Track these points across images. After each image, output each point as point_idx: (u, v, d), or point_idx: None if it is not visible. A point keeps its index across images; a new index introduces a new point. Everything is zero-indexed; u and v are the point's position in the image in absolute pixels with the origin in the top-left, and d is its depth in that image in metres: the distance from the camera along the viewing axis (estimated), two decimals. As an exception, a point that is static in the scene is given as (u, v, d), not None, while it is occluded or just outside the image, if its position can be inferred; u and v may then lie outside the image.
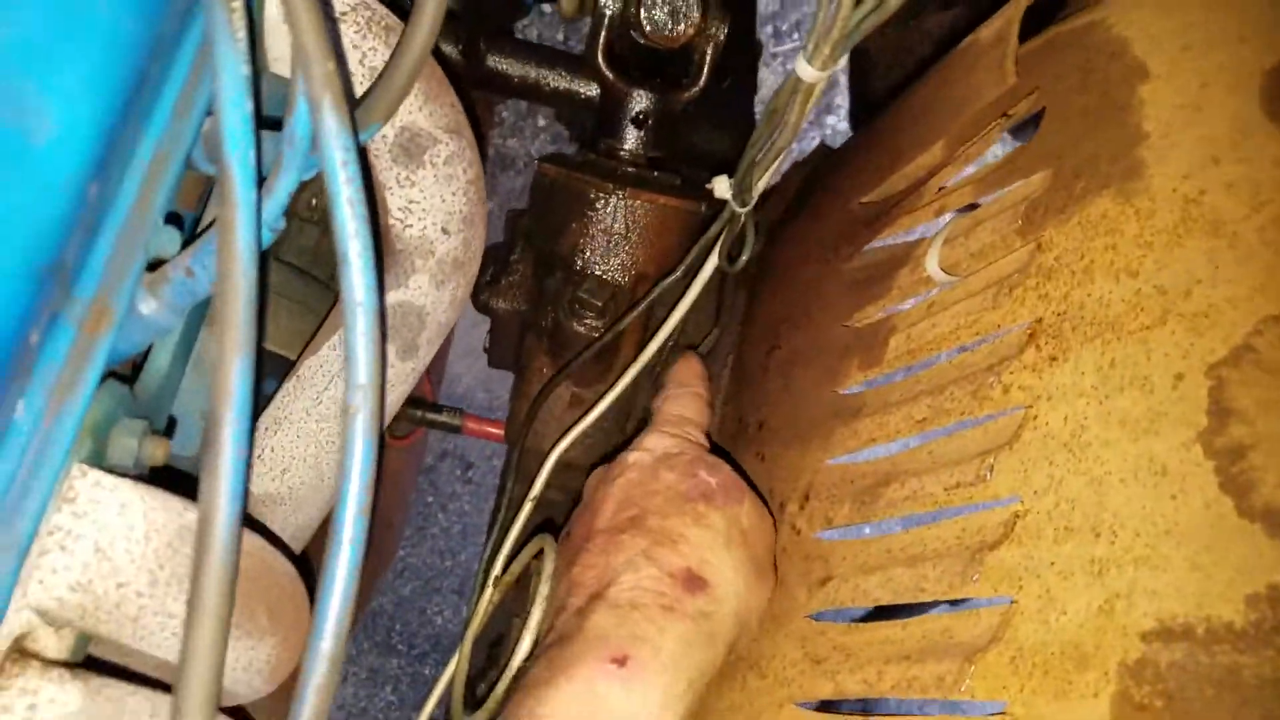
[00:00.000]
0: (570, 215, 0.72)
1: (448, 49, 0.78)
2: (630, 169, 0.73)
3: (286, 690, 0.39)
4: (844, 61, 0.49)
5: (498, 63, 0.79)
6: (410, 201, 0.54)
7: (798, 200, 0.79)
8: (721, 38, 0.70)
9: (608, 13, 0.69)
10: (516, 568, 0.64)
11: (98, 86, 0.32)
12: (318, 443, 0.54)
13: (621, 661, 0.47)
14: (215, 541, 0.31)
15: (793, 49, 1.55)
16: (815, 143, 1.60)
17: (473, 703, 0.61)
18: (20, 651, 0.35)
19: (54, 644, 0.36)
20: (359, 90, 0.50)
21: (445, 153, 0.54)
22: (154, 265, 0.41)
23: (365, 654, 1.56)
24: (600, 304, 0.70)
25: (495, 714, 0.58)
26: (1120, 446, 0.44)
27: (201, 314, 0.51)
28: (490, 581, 0.65)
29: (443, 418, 0.86)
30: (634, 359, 0.71)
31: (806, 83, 0.48)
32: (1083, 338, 0.47)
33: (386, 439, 0.88)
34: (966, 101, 0.58)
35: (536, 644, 0.54)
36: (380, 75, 0.42)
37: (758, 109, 1.62)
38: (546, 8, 1.40)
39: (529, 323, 0.77)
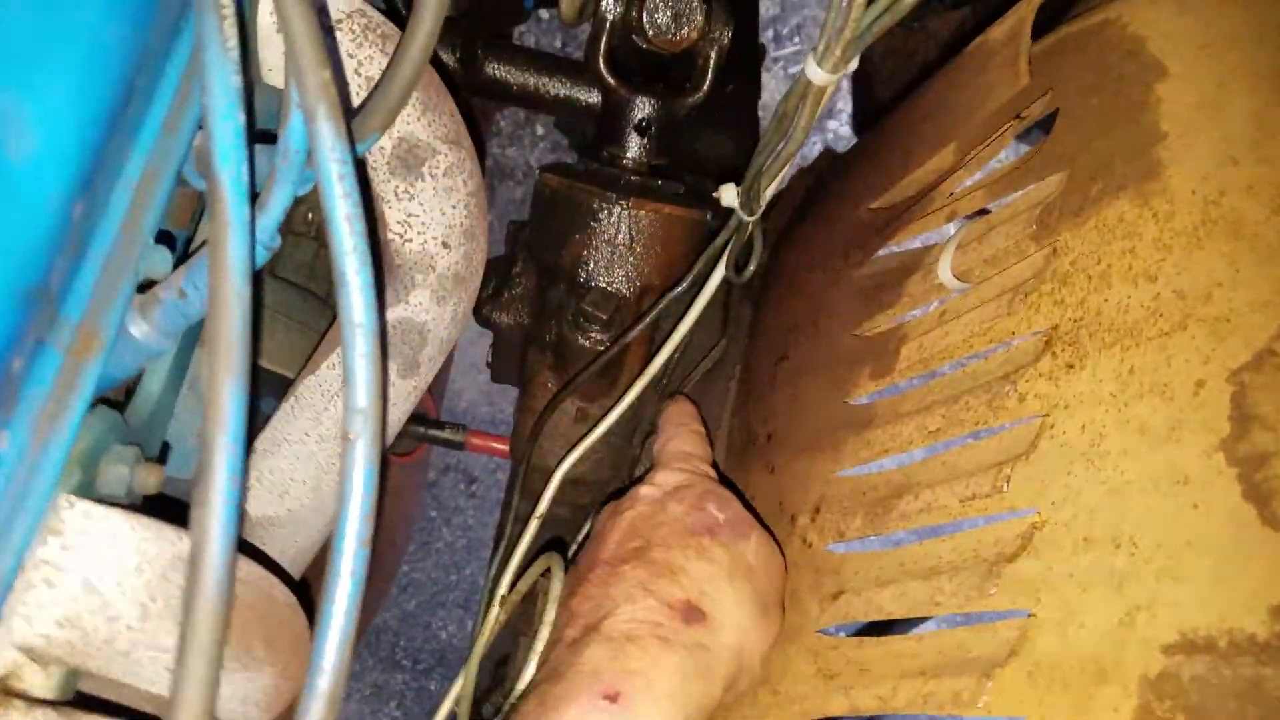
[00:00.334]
0: (573, 226, 0.71)
1: (445, 56, 0.77)
2: (634, 178, 0.72)
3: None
4: (853, 64, 0.47)
5: (496, 69, 0.78)
6: (409, 215, 0.53)
7: (803, 207, 0.78)
8: (726, 41, 0.69)
9: (609, 17, 0.67)
10: (523, 586, 0.63)
11: (81, 99, 0.30)
12: (318, 464, 0.53)
13: (613, 698, 0.46)
14: (208, 572, 0.30)
15: (794, 53, 1.54)
16: (817, 148, 1.59)
17: (479, 724, 0.60)
18: (4, 691, 0.34)
19: (41, 682, 0.34)
20: (355, 100, 0.49)
21: (445, 164, 0.53)
22: (145, 286, 0.40)
23: (369, 670, 1.54)
24: (605, 317, 0.68)
25: None
26: (1140, 455, 0.43)
27: (195, 333, 0.50)
28: (496, 600, 0.64)
29: (446, 434, 0.85)
30: (640, 372, 0.70)
31: (816, 86, 0.47)
32: (1100, 344, 0.46)
33: (389, 456, 0.87)
34: (978, 103, 0.57)
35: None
36: (377, 84, 0.41)
37: (762, 114, 1.61)
38: (545, 13, 1.39)
39: (532, 337, 0.76)
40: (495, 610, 0.63)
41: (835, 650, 0.52)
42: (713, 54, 0.69)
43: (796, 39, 1.57)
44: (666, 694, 0.47)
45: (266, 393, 0.65)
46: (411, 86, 0.40)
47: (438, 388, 0.97)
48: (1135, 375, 0.44)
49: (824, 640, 0.53)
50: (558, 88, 0.78)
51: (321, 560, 0.43)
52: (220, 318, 0.30)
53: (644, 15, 0.65)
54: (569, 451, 0.71)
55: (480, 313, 0.78)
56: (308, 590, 0.46)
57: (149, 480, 0.39)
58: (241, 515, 0.31)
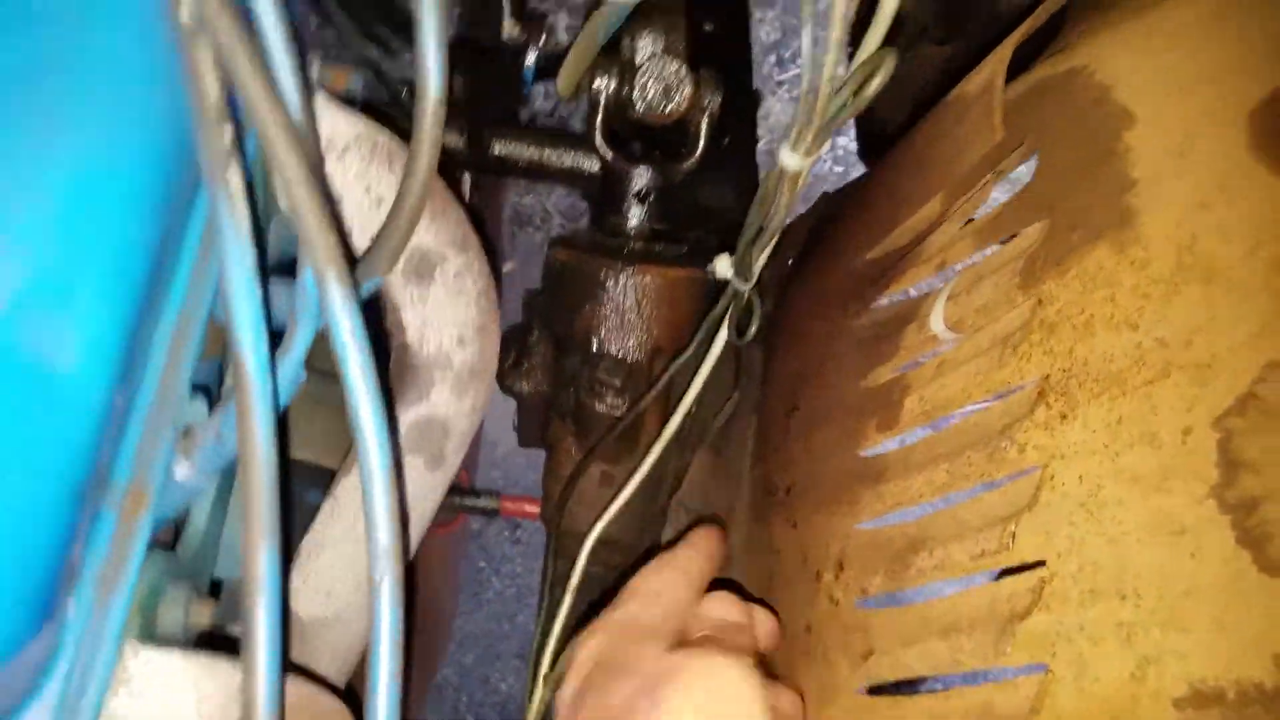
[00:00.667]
0: (582, 296, 0.73)
1: (452, 140, 0.80)
2: (637, 244, 0.74)
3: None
4: (826, 146, 0.50)
5: (502, 148, 0.81)
6: (425, 319, 0.56)
7: (804, 255, 0.80)
8: (716, 108, 0.71)
9: (603, 94, 0.70)
10: (564, 662, 0.65)
11: (114, 301, 0.33)
12: (359, 564, 0.56)
13: None
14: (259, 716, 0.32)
15: (795, 75, 1.56)
16: (826, 165, 1.60)
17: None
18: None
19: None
20: (365, 218, 0.52)
21: (454, 268, 0.56)
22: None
23: (436, 728, 1.57)
24: (619, 383, 0.71)
25: None
26: (1135, 505, 0.44)
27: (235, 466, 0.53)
28: (540, 679, 0.66)
29: (481, 502, 0.88)
30: (658, 433, 0.72)
31: (792, 171, 0.49)
32: (1089, 394, 0.47)
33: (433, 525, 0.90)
34: (958, 155, 0.59)
35: None
36: (382, 228, 0.44)
37: (773, 134, 1.62)
38: (542, 87, 1.43)
39: (552, 404, 0.79)
40: (540, 689, 0.65)
41: (871, 711, 0.54)
42: (704, 121, 0.71)
43: (799, 61, 1.59)
44: None
45: (309, 485, 0.68)
46: (414, 224, 0.43)
47: (470, 458, 1.01)
48: (1124, 425, 0.45)
49: (859, 700, 0.54)
50: (561, 160, 0.81)
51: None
52: (253, 493, 0.33)
53: (635, 92, 0.68)
54: (598, 517, 0.74)
55: (503, 383, 0.81)
56: (355, 695, 0.49)
57: (201, 619, 0.42)
58: (285, 667, 0.34)
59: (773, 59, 1.66)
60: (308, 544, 0.57)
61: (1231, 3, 0.49)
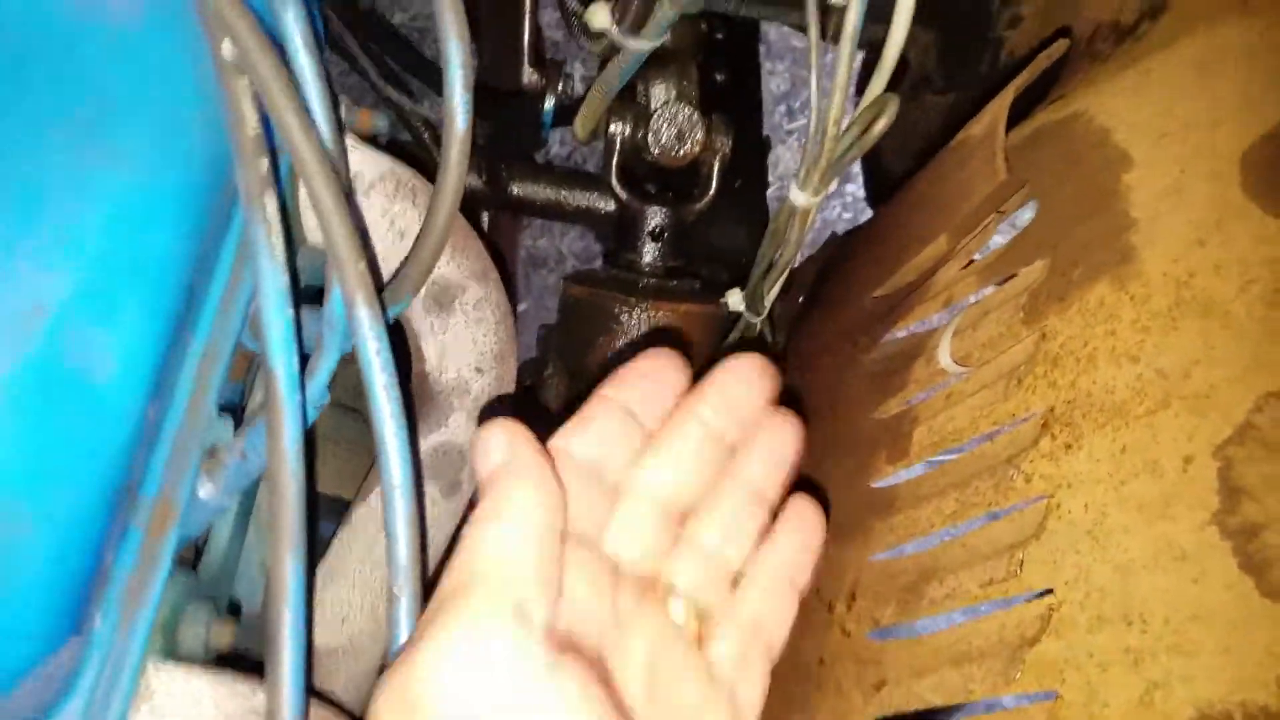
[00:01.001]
0: (597, 330, 0.75)
1: (472, 180, 0.83)
2: (651, 280, 0.76)
3: None
4: (833, 184, 0.51)
5: (520, 188, 0.83)
6: (444, 349, 0.58)
7: (814, 292, 0.82)
8: (727, 151, 0.73)
9: (618, 138, 0.72)
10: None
11: (152, 317, 0.35)
12: (374, 590, 0.57)
13: None
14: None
15: (805, 125, 1.60)
16: (835, 211, 1.63)
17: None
18: None
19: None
20: (389, 250, 0.54)
21: (474, 298, 0.58)
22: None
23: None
24: (634, 416, 0.72)
25: None
26: (1139, 532, 0.45)
27: (257, 484, 0.54)
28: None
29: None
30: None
31: (801, 208, 0.51)
32: (1093, 424, 0.49)
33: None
34: (963, 196, 0.60)
35: None
36: (408, 256, 0.46)
37: (782, 181, 1.65)
38: (559, 132, 1.46)
39: (568, 436, 0.80)
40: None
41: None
42: (716, 163, 0.73)
43: (808, 111, 1.61)
44: None
45: (324, 517, 0.70)
46: (437, 254, 0.45)
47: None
48: (1127, 454, 0.46)
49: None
50: (577, 200, 0.83)
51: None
52: (281, 507, 0.34)
53: (649, 136, 0.70)
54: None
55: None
56: None
57: (222, 639, 0.43)
58: (309, 686, 0.35)
59: (783, 109, 1.70)
60: (322, 572, 0.58)
61: (1221, 49, 0.51)
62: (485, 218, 0.86)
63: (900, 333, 0.64)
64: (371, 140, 0.53)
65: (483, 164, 0.81)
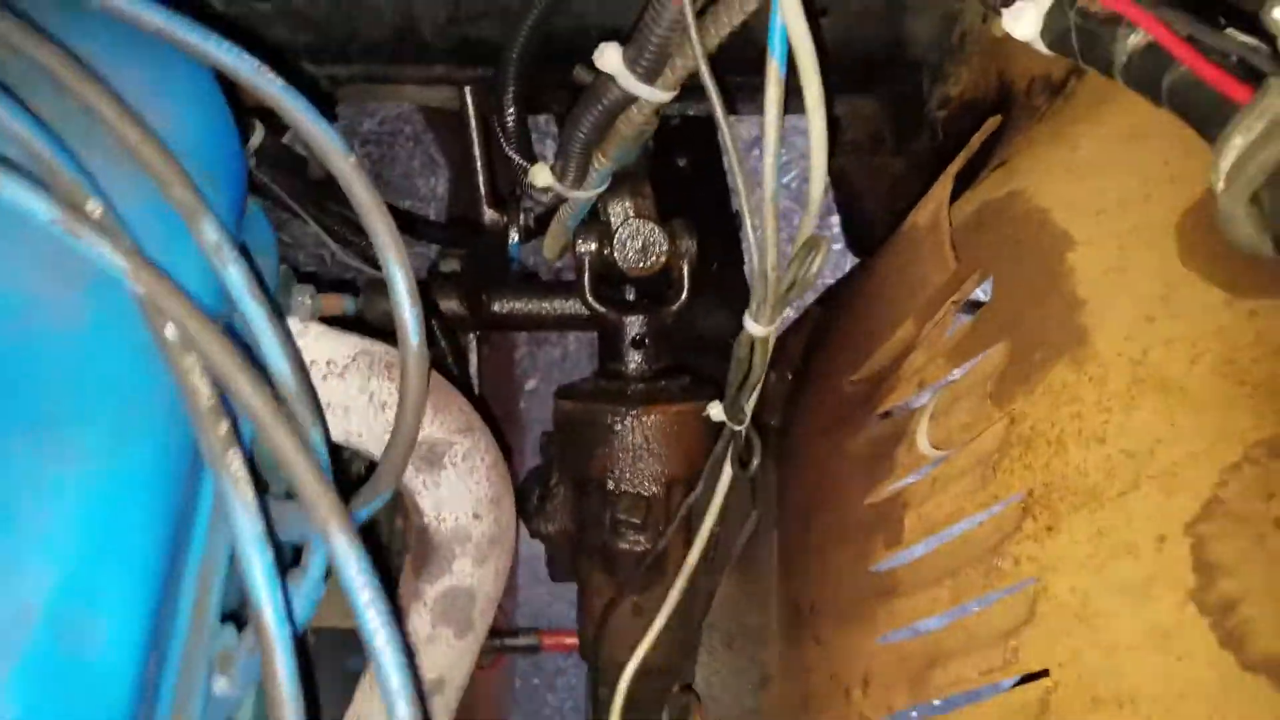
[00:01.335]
0: (594, 441, 0.77)
1: (452, 306, 0.85)
2: (639, 386, 0.78)
3: None
4: (784, 313, 0.54)
5: (501, 306, 0.86)
6: (439, 502, 0.60)
7: (802, 370, 0.83)
8: (693, 252, 0.76)
9: (586, 257, 0.75)
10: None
11: (136, 587, 0.38)
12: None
13: None
14: None
15: (786, 182, 1.62)
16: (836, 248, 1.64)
17: None
18: None
19: None
20: (371, 422, 0.56)
21: (462, 450, 0.61)
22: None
23: None
24: (639, 520, 0.74)
25: None
26: (1124, 614, 0.46)
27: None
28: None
29: (520, 642, 0.91)
30: (683, 560, 0.75)
31: (760, 336, 0.54)
32: (1070, 507, 0.50)
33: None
34: (920, 284, 0.62)
35: None
36: (380, 462, 0.48)
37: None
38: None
39: (578, 544, 0.82)
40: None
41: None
42: (684, 266, 0.75)
43: (791, 170, 1.65)
44: None
45: (350, 652, 0.72)
46: (407, 454, 0.47)
47: (509, 597, 1.03)
48: (1105, 536, 0.48)
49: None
50: (557, 309, 0.85)
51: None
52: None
53: (615, 253, 0.73)
54: (635, 646, 0.76)
55: (528, 525, 0.84)
56: None
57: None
58: None
59: (756, 153, 1.73)
60: (350, 718, 0.60)
61: (1143, 119, 0.53)
62: (473, 337, 0.88)
63: (881, 417, 0.66)
64: (342, 319, 0.56)
65: (463, 291, 0.84)
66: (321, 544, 0.42)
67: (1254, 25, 0.36)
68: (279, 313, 0.47)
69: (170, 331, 0.40)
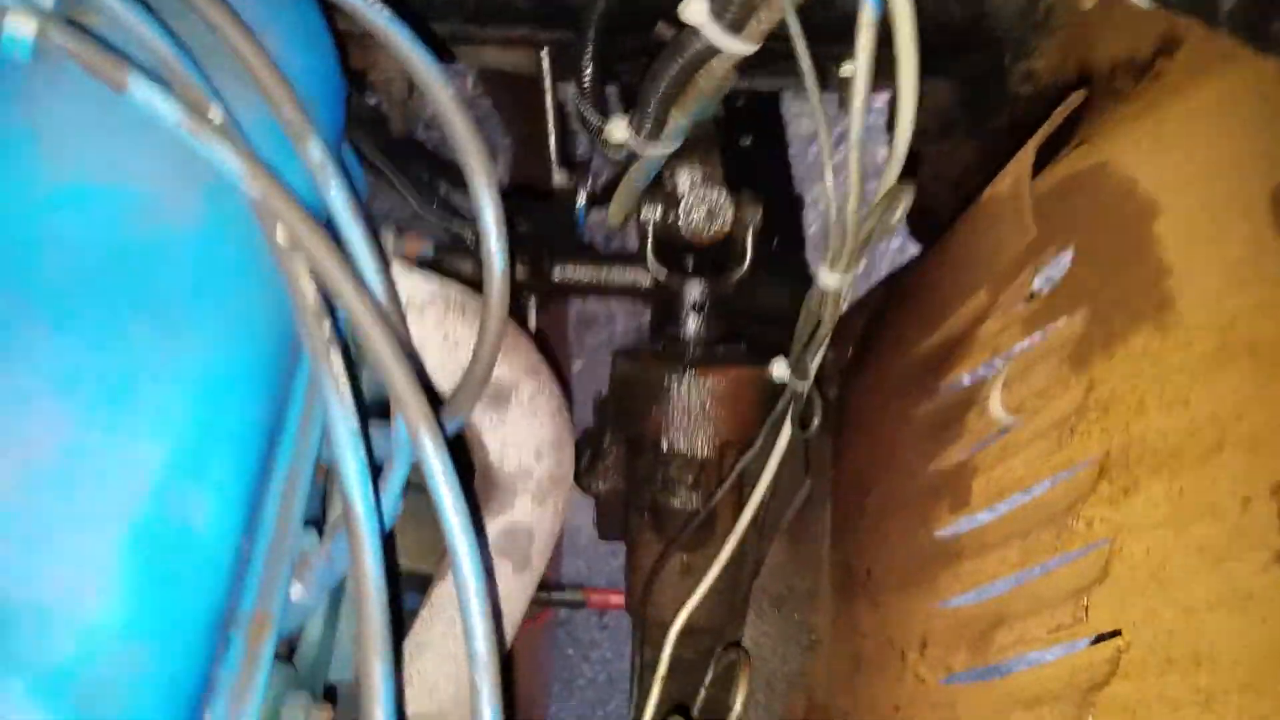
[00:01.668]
0: (649, 401, 0.77)
1: (519, 271, 0.86)
2: (697, 350, 0.79)
3: None
4: (862, 264, 0.54)
5: (564, 273, 0.86)
6: (504, 440, 0.61)
7: (862, 344, 0.83)
8: (758, 221, 0.76)
9: (651, 223, 0.75)
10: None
11: (238, 468, 0.40)
12: (457, 660, 0.60)
13: None
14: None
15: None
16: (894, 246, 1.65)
17: None
18: None
19: None
20: (446, 359, 0.57)
21: (528, 391, 0.61)
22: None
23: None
24: (691, 479, 0.75)
25: None
26: (1203, 575, 0.46)
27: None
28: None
29: (566, 596, 0.92)
30: (733, 523, 0.75)
31: (833, 289, 0.54)
32: (1149, 469, 0.50)
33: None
34: (997, 252, 0.62)
35: None
36: (460, 382, 0.49)
37: (812, 225, 1.67)
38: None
39: (629, 501, 0.82)
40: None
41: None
42: (748, 236, 0.76)
43: (841, 145, 1.63)
44: None
45: (407, 589, 0.72)
46: (487, 376, 0.48)
47: (556, 554, 1.04)
48: (1185, 497, 0.47)
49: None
50: (619, 278, 0.86)
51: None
52: (366, 620, 0.37)
53: (680, 219, 0.73)
54: (682, 605, 0.76)
55: (580, 482, 0.85)
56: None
57: (321, 721, 0.46)
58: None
59: (814, 149, 1.73)
60: (409, 646, 0.61)
61: (1233, 93, 0.53)
62: (533, 300, 0.89)
63: (950, 385, 0.66)
64: (421, 263, 0.57)
65: (527, 256, 0.85)
66: (404, 457, 0.43)
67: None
68: (374, 232, 0.47)
69: (280, 234, 0.41)
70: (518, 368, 0.61)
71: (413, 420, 0.39)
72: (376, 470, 0.50)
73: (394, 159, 0.80)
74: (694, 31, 0.60)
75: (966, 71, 0.80)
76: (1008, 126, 0.74)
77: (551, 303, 1.09)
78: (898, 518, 0.68)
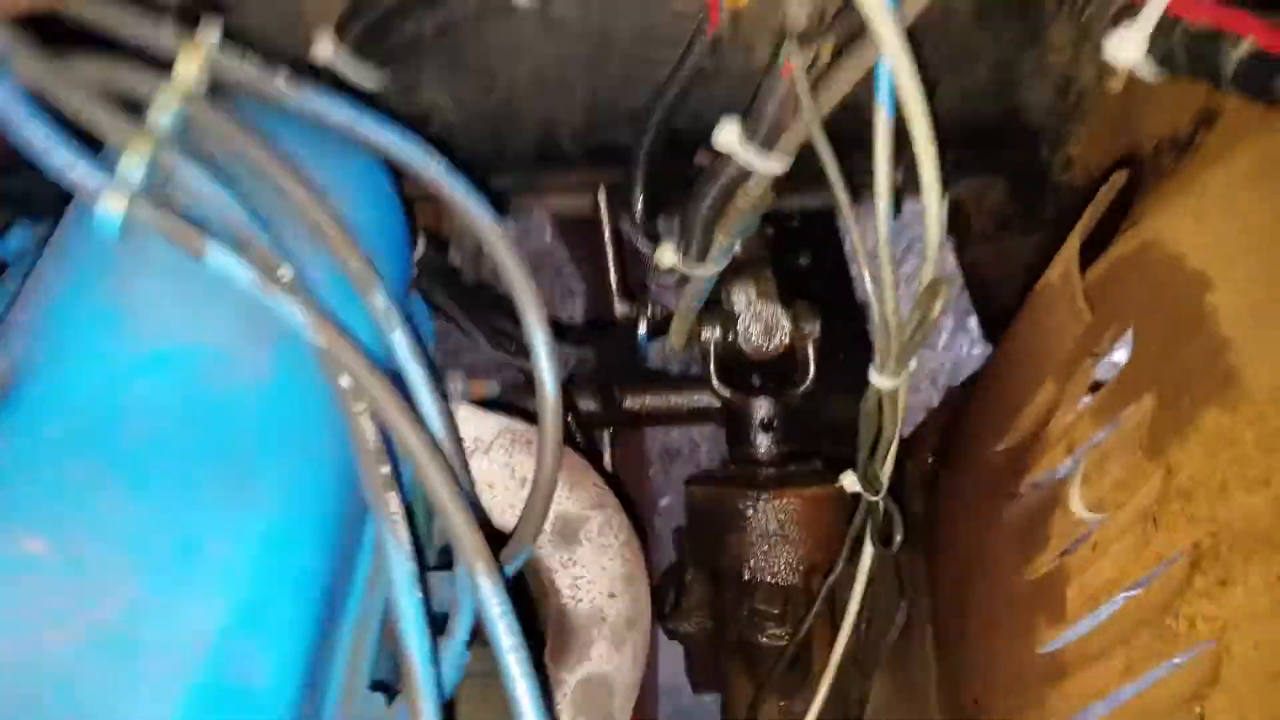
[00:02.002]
0: (727, 529, 0.76)
1: (587, 403, 0.87)
2: (769, 470, 0.78)
3: None
4: (912, 364, 0.53)
5: (632, 402, 0.87)
6: (576, 579, 0.61)
7: (942, 450, 0.81)
8: (817, 333, 0.76)
9: (711, 344, 0.76)
10: None
11: (299, 627, 0.40)
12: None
13: None
14: None
15: (908, 272, 1.61)
16: (964, 349, 1.61)
17: None
18: None
19: None
20: (513, 496, 0.58)
21: (597, 526, 0.61)
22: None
23: None
24: (778, 610, 0.72)
25: None
26: (1322, 668, 0.42)
27: None
28: None
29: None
30: (827, 658, 0.72)
31: (888, 390, 0.53)
32: (1242, 556, 0.46)
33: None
34: (1057, 342, 0.61)
35: None
36: (522, 513, 0.50)
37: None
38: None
39: (718, 642, 0.80)
40: None
41: None
42: (809, 348, 0.76)
43: (910, 257, 1.64)
44: None
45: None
46: (549, 499, 0.48)
47: (650, 691, 1.01)
48: (1287, 584, 0.44)
49: None
50: (687, 402, 0.86)
51: None
52: None
53: (739, 337, 0.74)
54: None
55: (665, 625, 0.83)
56: None
57: None
58: None
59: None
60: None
61: (1269, 155, 0.51)
62: (606, 435, 0.90)
63: (1030, 485, 0.63)
64: (488, 403, 0.59)
65: (595, 387, 0.87)
66: (469, 601, 0.43)
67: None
68: (438, 377, 0.49)
69: (345, 381, 0.43)
70: (584, 502, 0.61)
71: (468, 557, 0.40)
72: (443, 621, 0.51)
73: (466, 305, 0.84)
74: (727, 156, 0.62)
75: (1010, 167, 0.80)
76: (1055, 216, 0.73)
77: (627, 437, 1.10)
78: (997, 636, 0.65)
